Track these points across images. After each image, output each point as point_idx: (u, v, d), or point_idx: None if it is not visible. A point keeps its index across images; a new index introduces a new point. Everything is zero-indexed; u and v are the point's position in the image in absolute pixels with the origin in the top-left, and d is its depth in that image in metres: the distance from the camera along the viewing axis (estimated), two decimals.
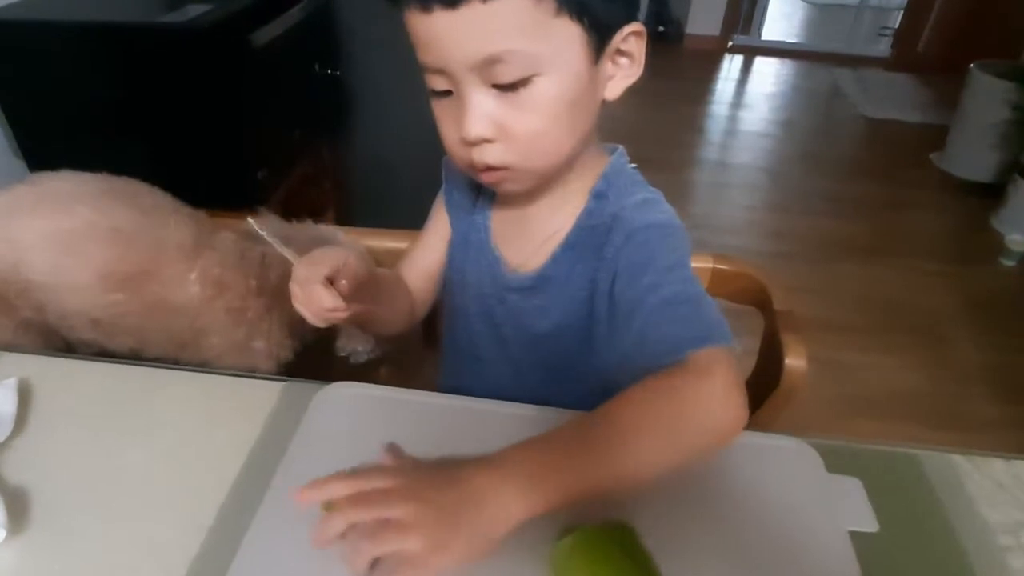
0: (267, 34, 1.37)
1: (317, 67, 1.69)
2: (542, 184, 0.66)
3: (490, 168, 0.60)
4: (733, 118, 3.76)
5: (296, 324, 0.97)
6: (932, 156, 3.17)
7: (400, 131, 1.86)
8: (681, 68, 4.25)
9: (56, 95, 1.29)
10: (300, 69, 1.63)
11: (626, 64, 0.61)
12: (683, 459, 0.52)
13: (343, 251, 0.63)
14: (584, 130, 0.62)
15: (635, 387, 0.53)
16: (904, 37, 4.38)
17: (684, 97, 3.84)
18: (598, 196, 0.68)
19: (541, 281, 0.71)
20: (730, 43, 4.57)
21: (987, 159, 2.87)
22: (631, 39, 0.59)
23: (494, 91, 0.55)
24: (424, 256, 0.82)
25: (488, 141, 0.58)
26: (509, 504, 0.46)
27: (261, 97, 1.42)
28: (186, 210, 0.95)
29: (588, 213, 0.68)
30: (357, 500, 0.48)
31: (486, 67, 0.54)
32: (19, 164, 1.36)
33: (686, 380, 0.52)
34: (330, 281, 0.60)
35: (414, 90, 1.90)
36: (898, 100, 3.85)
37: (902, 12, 4.44)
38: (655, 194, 0.69)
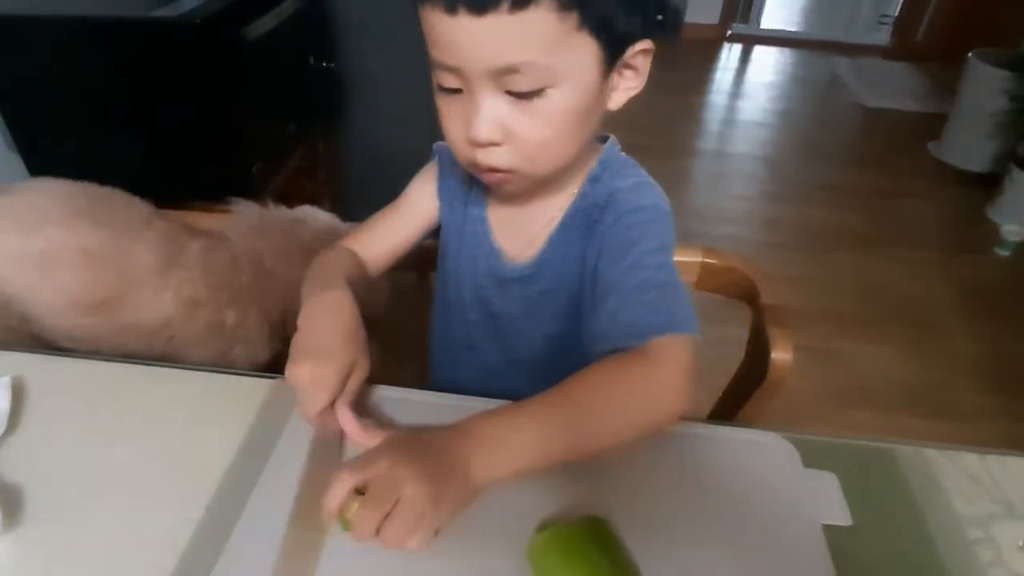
0: (261, 27, 1.37)
1: (311, 59, 1.69)
2: (540, 185, 0.67)
3: (493, 170, 0.61)
4: (731, 107, 3.75)
5: (276, 325, 0.97)
6: (929, 145, 3.17)
7: (395, 122, 1.87)
8: (679, 57, 4.23)
9: (51, 90, 1.29)
10: (294, 61, 1.63)
11: (631, 76, 0.62)
12: (630, 438, 0.56)
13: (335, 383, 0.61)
14: (587, 138, 0.64)
15: (595, 367, 0.57)
16: (903, 25, 4.36)
17: (682, 86, 3.83)
18: (593, 179, 0.70)
19: (539, 267, 0.73)
20: (729, 32, 4.55)
21: (984, 149, 2.86)
22: (640, 55, 0.61)
23: (507, 96, 0.56)
24: (398, 231, 0.81)
25: (495, 144, 0.59)
26: (480, 469, 0.51)
27: (255, 90, 1.42)
28: (159, 224, 0.94)
29: (583, 195, 0.71)
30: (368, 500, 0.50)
31: (503, 75, 0.55)
32: (15, 159, 1.36)
33: (639, 366, 0.56)
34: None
35: (409, 81, 1.90)
36: (896, 89, 3.83)
37: (902, 0, 4.41)
38: (648, 178, 0.72)
